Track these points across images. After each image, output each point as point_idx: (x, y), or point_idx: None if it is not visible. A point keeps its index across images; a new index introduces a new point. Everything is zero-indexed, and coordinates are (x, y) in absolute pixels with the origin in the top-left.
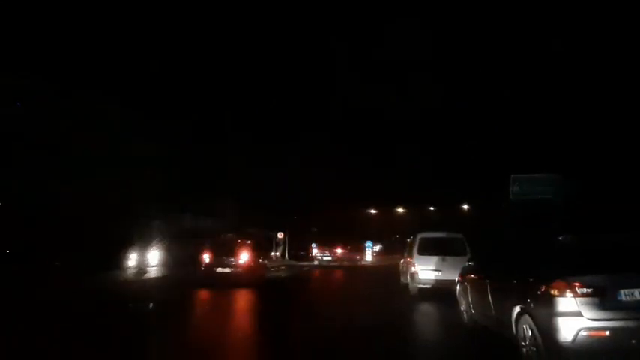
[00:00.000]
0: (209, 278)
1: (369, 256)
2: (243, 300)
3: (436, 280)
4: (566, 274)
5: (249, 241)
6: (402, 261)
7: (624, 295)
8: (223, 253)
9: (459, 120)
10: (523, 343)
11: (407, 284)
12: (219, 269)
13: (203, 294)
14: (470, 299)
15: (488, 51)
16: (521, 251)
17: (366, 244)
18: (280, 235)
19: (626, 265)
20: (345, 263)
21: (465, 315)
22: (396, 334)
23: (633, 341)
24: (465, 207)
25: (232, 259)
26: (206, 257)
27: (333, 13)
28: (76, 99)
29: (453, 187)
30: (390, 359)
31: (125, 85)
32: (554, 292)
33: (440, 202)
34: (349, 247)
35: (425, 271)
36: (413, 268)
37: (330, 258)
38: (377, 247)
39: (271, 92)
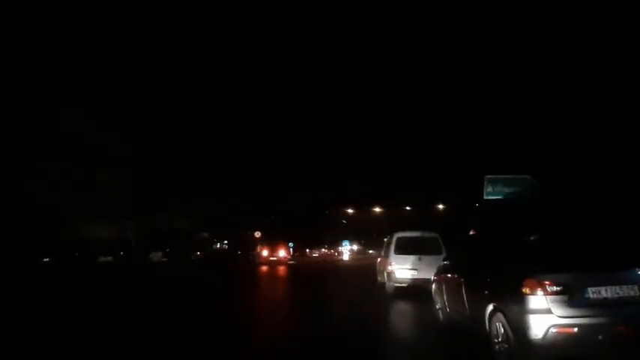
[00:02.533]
0: (267, 262)
1: (346, 255)
2: (283, 269)
3: (412, 279)
4: (537, 272)
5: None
6: (378, 260)
7: (591, 292)
8: (273, 249)
9: (433, 119)
10: (496, 341)
11: (383, 283)
12: (272, 258)
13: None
14: (445, 298)
15: (488, 51)
16: (494, 250)
17: (344, 244)
18: (258, 234)
19: (593, 263)
20: (327, 259)
21: (440, 314)
22: (371, 332)
23: (600, 337)
24: (441, 207)
25: (276, 253)
26: (265, 252)
27: (333, 13)
28: (67, 97)
29: (429, 186)
30: (365, 357)
31: (127, 84)
32: (526, 290)
33: (416, 202)
34: (327, 246)
35: (401, 270)
36: (390, 267)
37: (317, 255)
38: (354, 247)
39: (272, 92)
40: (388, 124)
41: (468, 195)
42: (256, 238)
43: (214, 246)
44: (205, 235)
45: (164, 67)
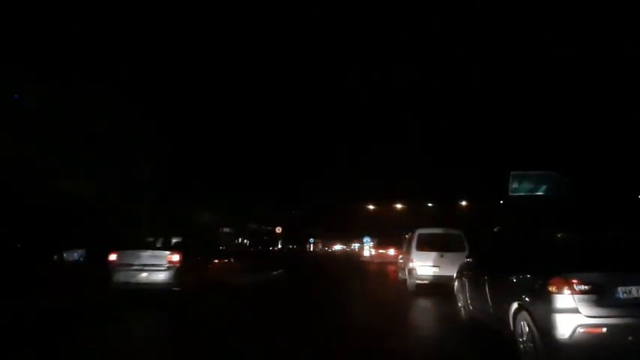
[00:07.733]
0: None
1: (367, 252)
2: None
3: (434, 276)
4: (565, 270)
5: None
6: (400, 257)
7: (622, 292)
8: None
9: (457, 116)
10: (520, 340)
11: (405, 280)
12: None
13: None
14: (468, 295)
15: (488, 51)
16: (519, 248)
17: (365, 240)
18: (278, 229)
19: (625, 262)
20: (348, 254)
21: (462, 311)
22: (393, 329)
23: (630, 338)
24: (464, 203)
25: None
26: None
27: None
28: (75, 92)
29: (452, 183)
30: (386, 355)
31: (129, 81)
32: (552, 288)
33: (439, 198)
34: (346, 242)
35: (423, 267)
36: (411, 264)
37: (340, 248)
38: (374, 243)
39: (270, 89)
40: (392, 120)
41: (492, 191)
42: (277, 233)
43: (236, 241)
44: (227, 230)
45: (163, 66)
